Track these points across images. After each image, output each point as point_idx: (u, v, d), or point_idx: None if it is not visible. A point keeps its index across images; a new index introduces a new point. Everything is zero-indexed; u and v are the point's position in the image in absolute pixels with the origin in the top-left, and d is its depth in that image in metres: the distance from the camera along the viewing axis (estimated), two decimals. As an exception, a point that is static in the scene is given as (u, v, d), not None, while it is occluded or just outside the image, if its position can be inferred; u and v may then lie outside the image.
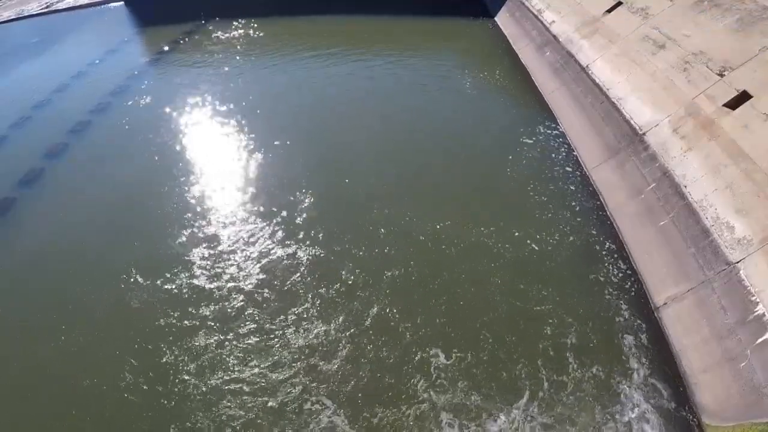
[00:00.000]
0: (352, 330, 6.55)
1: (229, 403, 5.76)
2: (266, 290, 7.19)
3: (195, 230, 8.41)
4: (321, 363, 6.19)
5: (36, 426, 5.85)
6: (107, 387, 6.08)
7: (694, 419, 5.18)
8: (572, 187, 8.64)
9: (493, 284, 6.99)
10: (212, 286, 7.30)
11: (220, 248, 7.99)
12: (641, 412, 5.31)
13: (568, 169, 9.11)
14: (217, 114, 12.42)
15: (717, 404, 5.05)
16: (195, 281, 7.41)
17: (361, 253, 7.70)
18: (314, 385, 5.96)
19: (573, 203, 8.28)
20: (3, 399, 6.16)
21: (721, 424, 4.90)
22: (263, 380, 6.00)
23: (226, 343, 6.45)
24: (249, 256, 7.80)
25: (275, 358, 6.24)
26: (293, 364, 6.18)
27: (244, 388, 5.92)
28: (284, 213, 8.62)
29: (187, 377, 6.08)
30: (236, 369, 6.12)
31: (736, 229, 5.83)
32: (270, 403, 5.73)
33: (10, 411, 6.01)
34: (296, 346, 6.41)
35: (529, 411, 5.44)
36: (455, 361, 6.08)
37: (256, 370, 6.11)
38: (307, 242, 7.97)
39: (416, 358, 6.16)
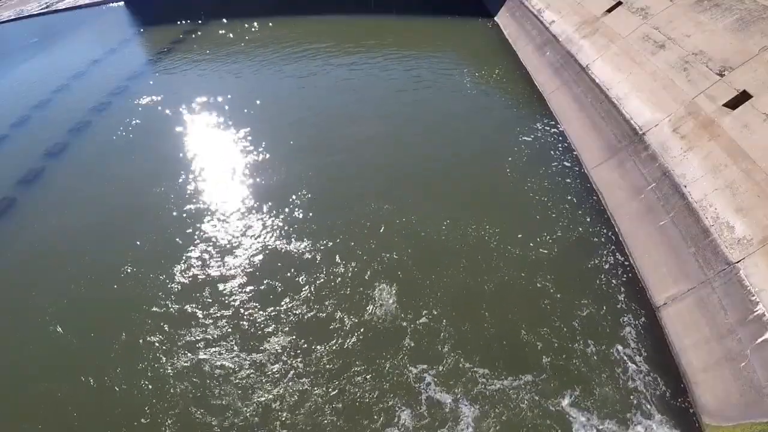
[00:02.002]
0: (351, 310, 6.74)
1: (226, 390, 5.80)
2: (267, 280, 7.28)
3: (195, 227, 8.42)
4: (316, 338, 6.42)
5: (32, 423, 5.85)
6: (103, 383, 6.10)
7: (695, 419, 5.18)
8: (572, 187, 8.64)
9: (492, 276, 7.07)
10: (213, 279, 7.33)
11: (220, 243, 8.01)
12: (641, 412, 5.31)
13: (567, 168, 9.11)
14: (217, 113, 12.42)
15: (717, 404, 5.05)
16: (195, 276, 7.43)
17: (360, 245, 7.75)
18: (309, 359, 6.17)
19: (573, 203, 8.28)
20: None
21: (721, 423, 4.90)
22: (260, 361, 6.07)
23: (228, 333, 6.47)
24: (249, 251, 7.83)
25: (275, 340, 6.34)
26: (288, 343, 6.41)
27: (246, 371, 5.96)
28: (284, 209, 8.64)
29: (185, 369, 6.10)
30: (235, 358, 6.15)
31: (736, 228, 5.83)
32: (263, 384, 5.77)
33: (8, 408, 6.02)
34: (296, 327, 6.59)
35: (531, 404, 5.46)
36: (450, 331, 6.36)
37: (257, 350, 6.18)
38: (306, 235, 8.01)
39: (413, 330, 6.38)
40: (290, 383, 5.93)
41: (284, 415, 5.60)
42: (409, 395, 5.68)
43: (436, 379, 5.79)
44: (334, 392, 5.79)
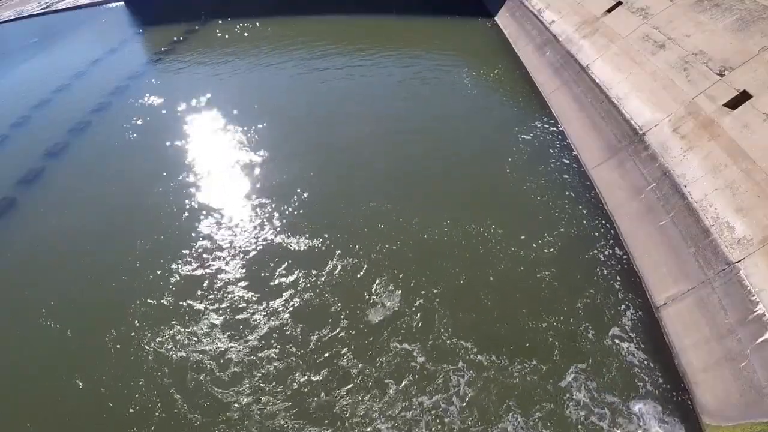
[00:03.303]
0: (349, 300, 6.90)
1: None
2: (268, 276, 7.35)
3: (195, 226, 8.43)
4: (313, 327, 6.59)
5: (32, 423, 5.86)
6: (103, 383, 6.10)
7: (695, 419, 5.18)
8: (572, 187, 8.64)
9: (492, 272, 7.13)
10: (213, 277, 7.34)
11: (220, 241, 8.04)
12: (641, 412, 5.31)
13: (567, 168, 9.10)
14: (217, 112, 12.42)
15: (717, 404, 5.05)
16: (195, 275, 7.44)
17: (359, 243, 7.78)
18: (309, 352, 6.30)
19: (573, 202, 8.27)
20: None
21: (721, 423, 4.90)
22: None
23: (228, 328, 6.49)
24: (250, 249, 7.86)
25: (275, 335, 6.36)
26: (283, 333, 6.55)
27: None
28: (284, 207, 8.65)
29: (186, 366, 6.11)
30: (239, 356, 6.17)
31: (736, 228, 5.83)
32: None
33: (8, 408, 6.03)
34: (295, 317, 6.73)
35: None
36: (450, 316, 6.54)
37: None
38: (306, 233, 8.05)
39: (412, 316, 6.58)
40: (286, 366, 6.09)
41: (279, 397, 5.70)
42: (401, 369, 5.90)
43: (429, 356, 6.04)
44: (327, 375, 5.98)
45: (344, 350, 6.21)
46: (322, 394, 5.75)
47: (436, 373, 5.81)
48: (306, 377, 5.95)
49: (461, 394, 5.58)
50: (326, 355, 6.19)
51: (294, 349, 6.29)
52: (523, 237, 7.60)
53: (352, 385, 5.81)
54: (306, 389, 5.82)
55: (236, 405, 5.73)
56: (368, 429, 5.36)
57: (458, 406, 5.47)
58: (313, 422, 5.50)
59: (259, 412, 5.63)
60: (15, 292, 7.73)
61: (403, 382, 5.75)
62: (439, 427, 5.34)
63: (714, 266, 5.82)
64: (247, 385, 5.92)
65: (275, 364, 6.15)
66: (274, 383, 5.92)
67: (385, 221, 8.16)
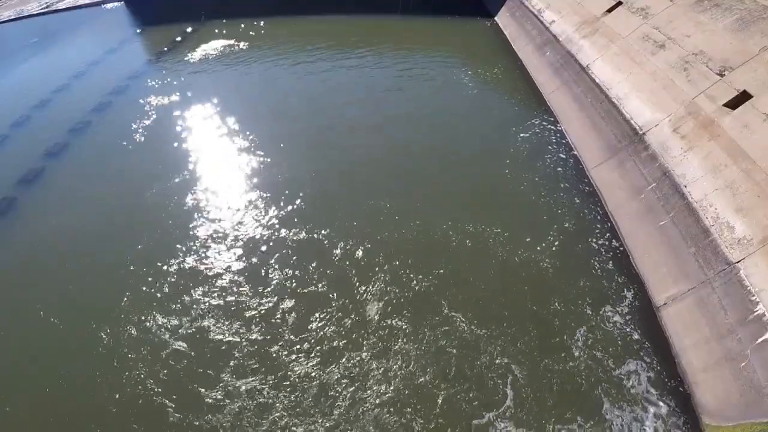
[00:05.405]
0: (347, 291, 7.06)
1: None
2: (269, 272, 7.40)
3: (196, 225, 8.42)
4: (312, 316, 6.79)
5: (32, 423, 5.85)
6: (103, 383, 6.10)
7: (695, 419, 5.18)
8: (572, 187, 8.64)
9: (491, 271, 7.20)
10: (214, 276, 7.35)
11: (220, 241, 8.03)
12: (641, 413, 5.31)
13: (567, 168, 9.10)
14: (217, 112, 12.41)
15: (717, 404, 5.05)
16: (196, 274, 7.44)
17: (357, 239, 7.84)
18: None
19: (573, 202, 8.28)
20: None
21: (721, 423, 4.90)
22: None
23: (228, 324, 6.49)
24: (251, 247, 7.89)
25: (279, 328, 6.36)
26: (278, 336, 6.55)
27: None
28: (284, 205, 8.66)
29: (188, 366, 6.11)
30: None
31: (736, 228, 5.83)
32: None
33: (8, 408, 6.02)
34: (296, 310, 6.83)
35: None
36: (449, 298, 6.85)
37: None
38: (305, 231, 8.10)
39: (411, 301, 6.82)
40: (288, 351, 6.26)
41: (296, 383, 5.68)
42: (399, 339, 6.25)
43: (430, 326, 6.40)
44: (326, 351, 6.25)
45: (341, 331, 6.49)
46: (330, 363, 6.09)
47: (436, 339, 6.21)
48: (307, 356, 6.12)
49: (455, 350, 6.09)
50: (326, 333, 6.47)
51: (290, 334, 6.48)
52: (526, 238, 7.60)
53: (342, 353, 6.16)
54: (310, 365, 5.97)
55: (240, 405, 5.73)
56: (382, 387, 5.74)
57: (455, 358, 6.00)
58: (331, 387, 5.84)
59: (276, 411, 5.64)
60: (15, 292, 7.72)
61: (405, 349, 6.12)
62: (445, 372, 5.80)
63: (714, 266, 5.82)
64: (257, 383, 5.93)
65: (280, 355, 6.20)
66: (284, 373, 5.98)
67: (384, 218, 8.21)
